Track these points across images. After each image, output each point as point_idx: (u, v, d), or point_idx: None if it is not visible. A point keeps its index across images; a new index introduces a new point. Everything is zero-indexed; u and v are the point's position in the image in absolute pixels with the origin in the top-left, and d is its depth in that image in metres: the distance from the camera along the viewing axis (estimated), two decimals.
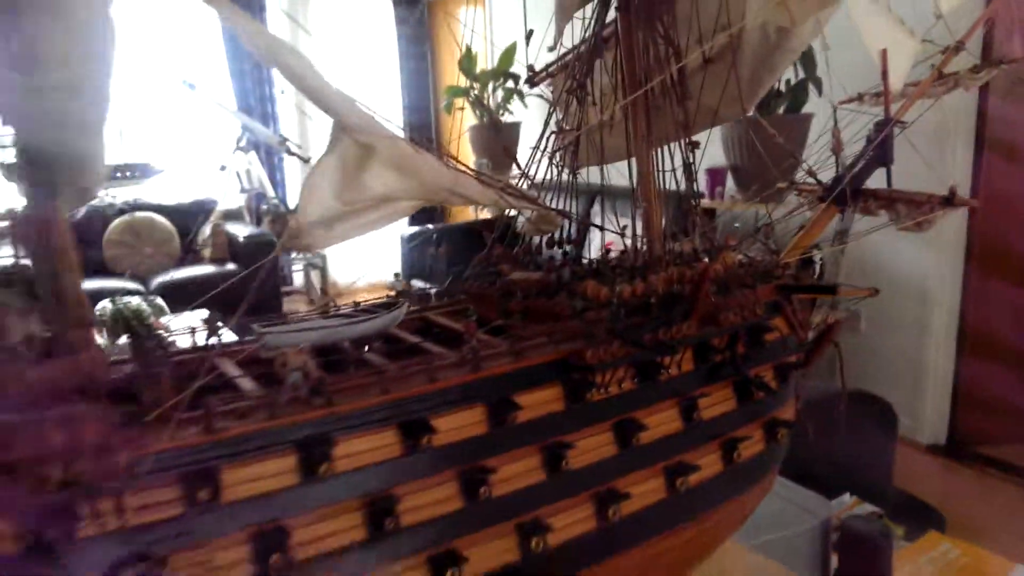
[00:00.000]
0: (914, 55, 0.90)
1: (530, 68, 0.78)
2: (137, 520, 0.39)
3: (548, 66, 0.78)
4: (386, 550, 0.43)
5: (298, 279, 6.70)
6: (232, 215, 5.86)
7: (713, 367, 0.60)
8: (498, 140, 5.30)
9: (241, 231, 5.48)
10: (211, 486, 0.40)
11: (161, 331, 0.56)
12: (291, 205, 6.29)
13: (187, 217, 5.42)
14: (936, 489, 3.54)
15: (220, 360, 0.55)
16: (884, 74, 0.85)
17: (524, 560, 0.47)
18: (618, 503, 0.52)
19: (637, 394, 0.56)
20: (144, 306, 3.91)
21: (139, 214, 5.20)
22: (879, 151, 0.83)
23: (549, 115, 0.75)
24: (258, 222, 6.01)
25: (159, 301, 4.09)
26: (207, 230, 5.61)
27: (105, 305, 3.91)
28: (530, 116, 5.44)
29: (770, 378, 0.66)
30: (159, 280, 4.95)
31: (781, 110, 3.42)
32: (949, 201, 0.75)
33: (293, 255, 5.87)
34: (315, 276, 6.45)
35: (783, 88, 3.47)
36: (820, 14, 0.78)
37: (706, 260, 0.60)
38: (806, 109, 3.49)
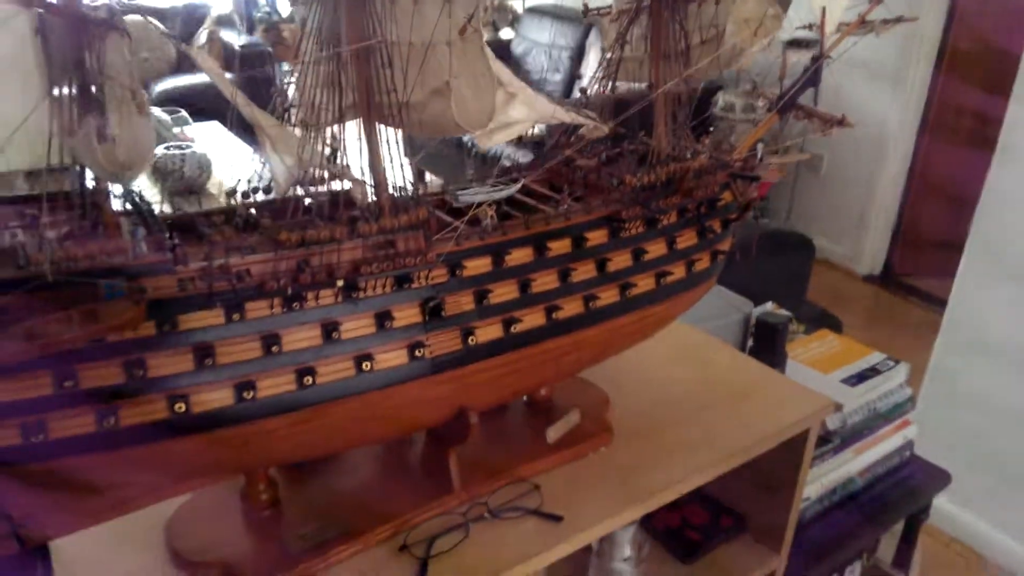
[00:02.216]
0: (844, 5, 1.29)
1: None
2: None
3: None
4: (527, 301, 0.93)
5: (290, 91, 6.77)
6: (224, 21, 5.74)
7: (687, 220, 1.08)
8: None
9: (236, 40, 5.44)
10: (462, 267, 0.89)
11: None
12: (283, 12, 6.21)
13: (180, 22, 5.34)
14: (855, 308, 4.19)
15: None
16: (822, 24, 1.25)
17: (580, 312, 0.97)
18: (629, 288, 1.02)
19: (646, 235, 1.04)
20: (165, 116, 4.06)
21: (132, 17, 5.32)
22: (811, 77, 1.26)
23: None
24: (250, 30, 5.93)
25: (183, 114, 4.20)
26: (202, 37, 5.53)
27: None
28: None
29: (717, 226, 1.13)
30: (160, 88, 5.01)
31: None
32: (840, 122, 1.19)
33: (286, 66, 5.90)
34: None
35: None
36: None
37: (689, 159, 1.05)
38: None
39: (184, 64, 5.39)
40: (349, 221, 0.85)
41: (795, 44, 1.39)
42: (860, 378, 1.58)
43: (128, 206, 0.81)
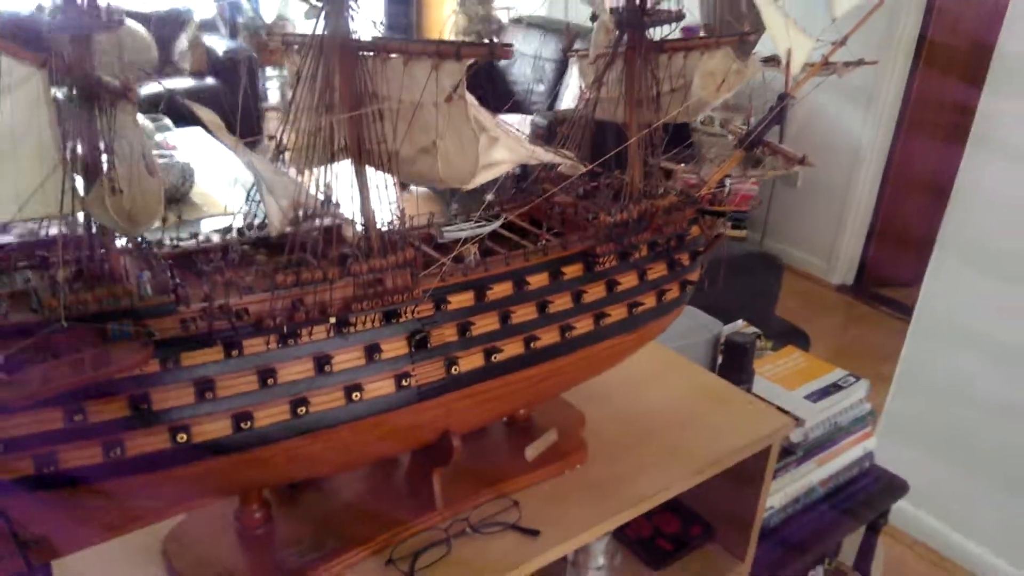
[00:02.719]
0: (809, 48, 1.37)
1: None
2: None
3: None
4: (507, 332, 0.99)
5: (273, 96, 6.78)
6: (207, 26, 5.73)
7: (657, 253, 1.15)
8: None
9: (219, 45, 5.47)
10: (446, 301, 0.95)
11: None
12: (266, 18, 6.21)
13: (163, 26, 5.32)
14: (827, 317, 4.30)
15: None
16: (787, 66, 1.33)
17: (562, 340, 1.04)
18: (604, 317, 1.09)
19: (619, 267, 1.10)
20: (147, 123, 4.08)
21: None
22: (777, 115, 1.33)
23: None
24: (232, 35, 5.93)
25: (166, 121, 4.20)
26: (184, 42, 5.52)
27: None
28: None
29: (685, 259, 1.21)
30: (143, 92, 5.15)
31: None
32: (801, 161, 1.27)
33: (268, 71, 5.87)
34: (290, 93, 6.56)
35: None
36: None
37: (660, 196, 1.13)
38: None
39: (166, 68, 5.41)
40: (340, 259, 0.91)
41: (770, 61, 1.48)
42: (823, 394, 1.67)
43: (130, 245, 0.86)
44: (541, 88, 5.33)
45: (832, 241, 4.56)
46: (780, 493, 1.62)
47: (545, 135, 4.51)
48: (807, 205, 4.61)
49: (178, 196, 3.85)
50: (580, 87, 1.24)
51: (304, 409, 0.87)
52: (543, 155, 1.09)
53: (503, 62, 5.57)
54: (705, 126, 4.43)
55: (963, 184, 2.34)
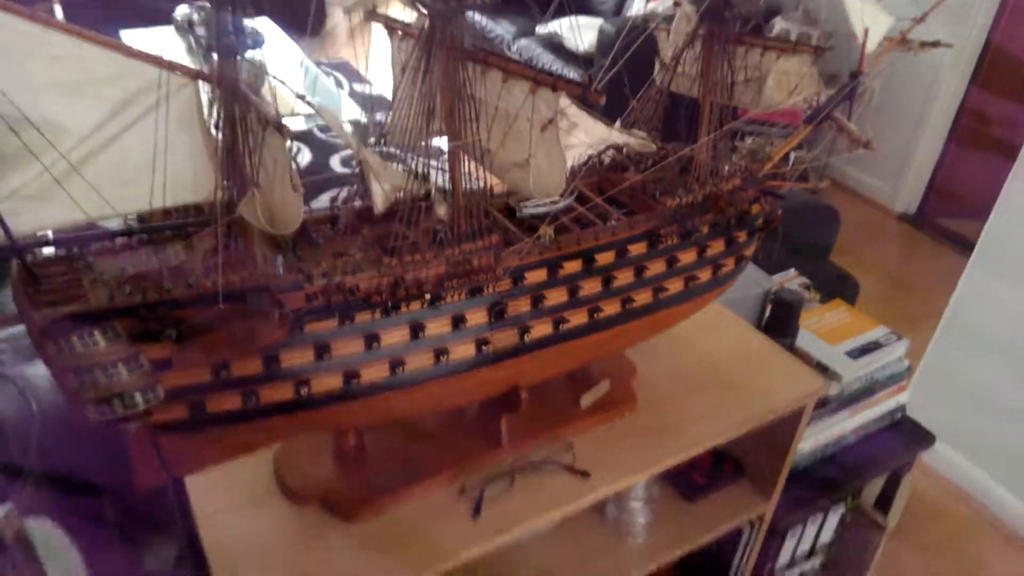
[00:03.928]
0: (887, 26, 1.38)
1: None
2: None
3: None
4: (574, 304, 1.12)
5: None
6: None
7: (717, 231, 1.24)
8: None
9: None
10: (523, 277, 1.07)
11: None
12: None
13: None
14: (883, 249, 4.29)
15: None
16: (863, 46, 1.36)
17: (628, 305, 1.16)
18: (662, 291, 1.20)
19: (680, 245, 1.20)
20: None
21: None
22: (848, 92, 1.37)
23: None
24: None
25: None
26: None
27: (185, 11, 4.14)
28: None
29: (743, 235, 1.29)
30: None
31: None
32: (866, 145, 1.32)
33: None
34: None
35: None
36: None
37: (723, 180, 1.20)
38: None
39: None
40: (432, 233, 1.04)
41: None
42: (863, 351, 1.76)
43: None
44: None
45: (900, 167, 4.47)
46: (811, 439, 1.75)
47: (612, 41, 4.44)
48: (878, 128, 4.48)
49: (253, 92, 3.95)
50: (659, 59, 1.30)
51: (401, 368, 1.02)
52: (617, 136, 1.17)
53: None
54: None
55: (1008, 196, 2.32)
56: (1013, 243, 2.41)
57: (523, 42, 4.86)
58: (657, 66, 1.31)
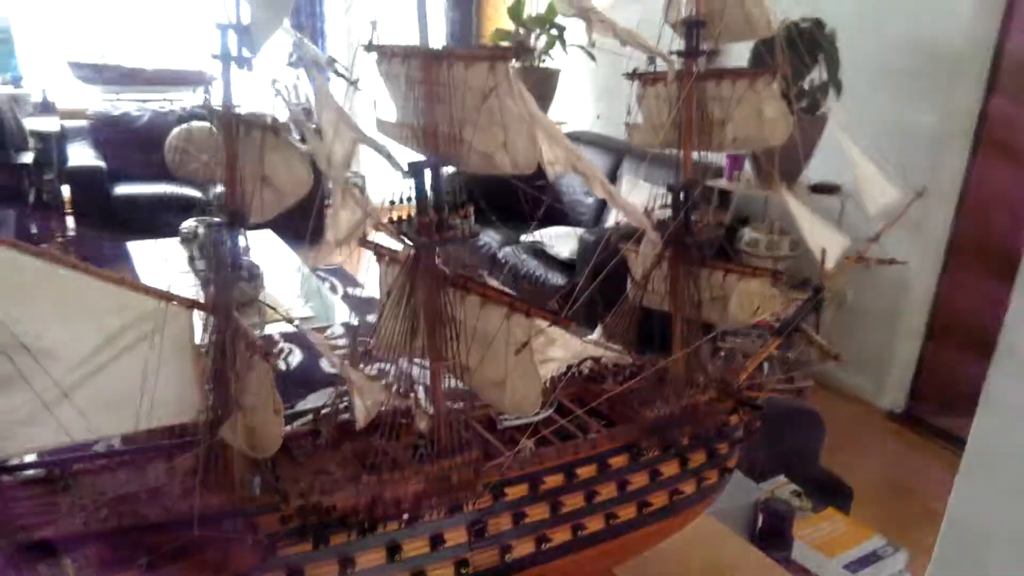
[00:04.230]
0: (844, 246, 1.49)
1: None
2: None
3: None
4: (557, 520, 1.10)
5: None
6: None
7: (697, 443, 1.26)
8: (538, 85, 5.76)
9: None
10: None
11: None
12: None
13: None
14: (873, 449, 4.24)
15: None
16: (822, 263, 1.45)
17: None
18: (646, 505, 1.19)
19: (661, 457, 1.22)
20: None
21: (195, 123, 5.15)
22: (813, 305, 1.45)
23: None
24: (302, 139, 6.39)
25: None
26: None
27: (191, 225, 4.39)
28: (570, 63, 5.86)
29: (724, 447, 1.31)
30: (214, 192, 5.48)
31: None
32: (835, 357, 1.38)
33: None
34: (356, 193, 6.95)
35: (806, 86, 3.95)
36: None
37: (699, 391, 1.25)
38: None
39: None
40: (413, 449, 1.05)
41: (819, 189, 1.57)
42: (862, 563, 1.70)
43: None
44: (589, 201, 5.54)
45: (881, 364, 4.55)
46: None
47: (592, 248, 4.69)
48: (854, 328, 4.64)
49: (245, 300, 4.09)
50: (629, 277, 1.38)
51: None
52: (593, 351, 1.22)
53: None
54: (751, 247, 4.56)
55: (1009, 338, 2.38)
56: (1002, 440, 2.40)
57: (508, 249, 5.13)
58: (629, 283, 1.40)
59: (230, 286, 0.89)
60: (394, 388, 1.05)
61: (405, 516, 1.00)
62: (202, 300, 0.92)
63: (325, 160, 0.92)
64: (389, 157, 0.97)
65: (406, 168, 0.99)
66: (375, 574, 0.99)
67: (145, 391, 0.88)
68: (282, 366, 3.81)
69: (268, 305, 3.95)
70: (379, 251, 1.16)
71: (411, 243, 1.01)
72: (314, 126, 0.96)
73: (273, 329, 4.11)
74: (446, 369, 1.05)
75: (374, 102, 1.08)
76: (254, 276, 4.06)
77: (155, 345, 0.87)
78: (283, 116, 0.99)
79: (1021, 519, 2.34)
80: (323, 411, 1.11)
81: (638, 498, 1.20)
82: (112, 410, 0.88)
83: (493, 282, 1.08)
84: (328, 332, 4.04)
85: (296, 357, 4.14)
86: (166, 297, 0.88)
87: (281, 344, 3.91)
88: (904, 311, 4.37)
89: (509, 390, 0.94)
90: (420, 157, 1.01)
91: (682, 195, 1.22)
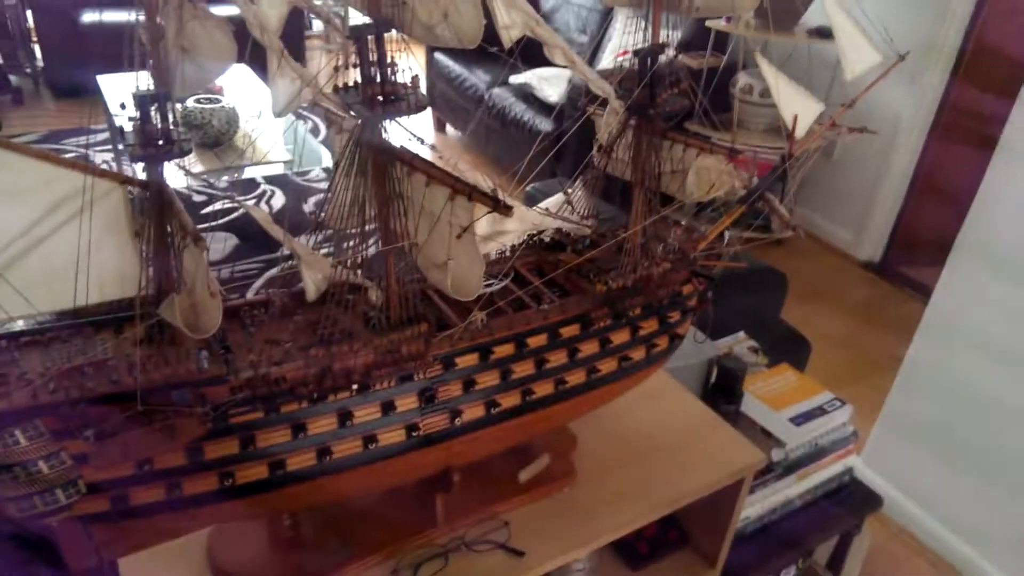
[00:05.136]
0: (817, 112, 1.44)
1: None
2: None
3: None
4: (506, 387, 1.15)
5: (317, 24, 6.83)
6: None
7: (649, 312, 1.28)
8: None
9: None
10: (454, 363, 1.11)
11: None
12: None
13: None
14: (846, 296, 4.36)
15: None
16: (792, 130, 1.41)
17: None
18: (595, 371, 1.23)
19: (612, 326, 1.24)
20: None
21: None
22: (780, 174, 1.42)
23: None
24: None
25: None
26: None
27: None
28: None
29: (676, 315, 1.33)
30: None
31: None
32: (793, 228, 1.37)
33: None
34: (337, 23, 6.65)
35: None
36: None
37: (655, 265, 1.24)
38: None
39: None
40: (364, 318, 1.06)
41: (818, 33, 1.50)
42: (807, 417, 1.80)
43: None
44: (584, 39, 5.29)
45: (863, 215, 4.57)
46: (757, 505, 1.77)
47: (581, 92, 4.53)
48: (840, 179, 4.61)
49: (223, 140, 3.99)
50: (595, 142, 1.34)
51: (328, 456, 1.03)
52: (551, 222, 1.21)
53: (547, 7, 5.56)
54: (744, 94, 4.42)
55: (987, 189, 2.38)
56: (970, 289, 2.47)
57: (497, 91, 4.95)
58: (595, 147, 1.36)
59: (159, 163, 0.86)
60: (345, 261, 1.05)
61: (355, 387, 1.03)
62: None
63: (257, 26, 0.86)
64: (327, 21, 0.91)
65: (346, 32, 0.93)
66: (326, 439, 1.03)
67: (85, 267, 0.88)
68: (264, 208, 3.79)
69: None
70: (329, 117, 1.11)
71: (355, 115, 0.97)
72: None
73: (254, 172, 4.05)
74: (395, 243, 1.04)
75: None
76: (230, 118, 3.94)
77: (86, 221, 0.85)
78: None
79: (973, 368, 2.46)
80: (274, 282, 1.12)
81: (587, 365, 1.23)
82: (53, 284, 0.88)
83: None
84: (311, 175, 3.98)
85: (279, 200, 4.12)
86: (93, 172, 0.85)
87: (263, 187, 3.87)
88: (889, 168, 4.33)
89: (452, 272, 0.94)
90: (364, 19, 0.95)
91: (648, 61, 1.16)
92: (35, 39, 5.69)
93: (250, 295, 1.11)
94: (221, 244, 2.86)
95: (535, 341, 1.18)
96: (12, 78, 5.69)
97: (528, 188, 2.96)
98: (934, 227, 4.27)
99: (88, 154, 4.77)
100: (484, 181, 0.98)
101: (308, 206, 4.13)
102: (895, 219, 4.51)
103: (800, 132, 1.37)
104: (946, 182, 4.23)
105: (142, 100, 0.83)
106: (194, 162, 3.91)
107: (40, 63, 5.76)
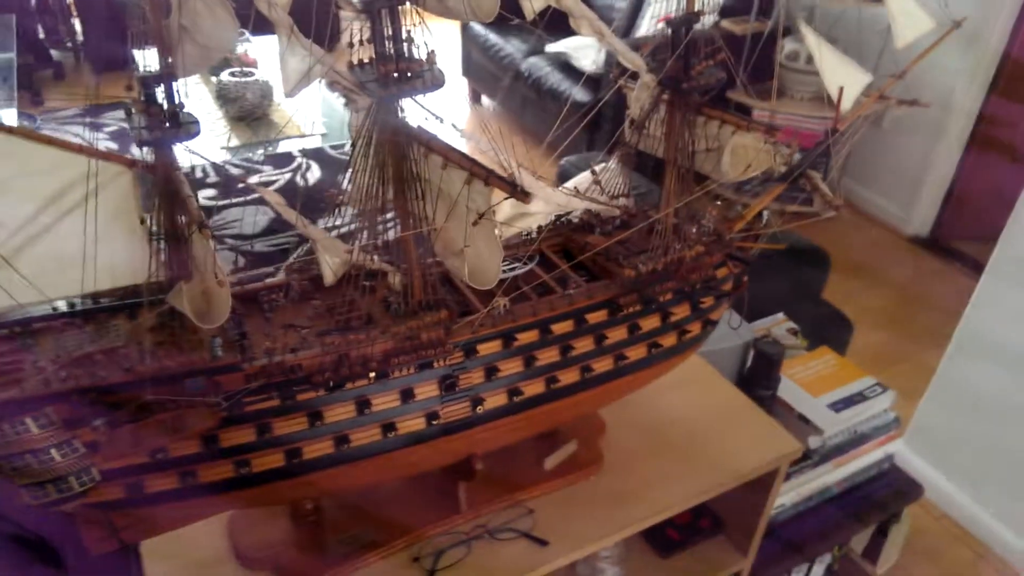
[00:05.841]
0: (864, 84, 1.35)
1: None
2: None
3: None
4: (530, 374, 1.10)
5: None
6: None
7: (681, 297, 1.22)
8: None
9: None
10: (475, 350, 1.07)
11: None
12: None
13: None
14: (896, 268, 4.22)
15: None
16: (838, 102, 1.33)
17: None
18: (623, 358, 1.18)
19: (642, 312, 1.19)
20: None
21: None
22: (824, 150, 1.35)
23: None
24: None
25: (245, 32, 4.20)
26: None
27: None
28: None
29: (710, 300, 1.27)
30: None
31: None
32: (836, 208, 1.29)
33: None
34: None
35: None
36: None
37: (687, 247, 1.18)
38: None
39: None
40: (384, 304, 1.03)
41: None
42: (847, 403, 1.73)
43: None
44: (621, 4, 5.14)
45: (912, 187, 4.40)
46: (793, 492, 1.72)
47: (616, 63, 4.41)
48: (889, 150, 4.43)
49: (257, 115, 3.98)
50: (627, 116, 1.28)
51: (346, 445, 1.01)
52: (576, 203, 1.16)
53: None
54: (790, 60, 4.25)
55: None
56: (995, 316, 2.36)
57: (532, 60, 4.85)
58: (627, 122, 1.30)
59: (166, 146, 0.83)
60: (366, 245, 1.01)
61: (372, 375, 1.00)
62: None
63: (265, 1, 0.82)
64: None
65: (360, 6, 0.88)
66: (344, 427, 1.01)
67: (95, 253, 0.86)
68: (300, 182, 3.78)
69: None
70: (347, 95, 1.07)
71: (370, 94, 0.92)
72: None
73: (290, 146, 4.04)
74: (415, 227, 1.00)
75: None
76: (264, 91, 3.93)
77: (95, 206, 0.83)
78: None
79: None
80: (293, 264, 1.09)
81: (615, 352, 1.19)
82: (64, 271, 0.87)
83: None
84: (348, 148, 3.96)
85: (315, 173, 4.12)
86: (101, 156, 0.82)
87: (299, 160, 3.86)
88: (942, 136, 4.14)
89: (469, 260, 0.90)
90: None
91: (683, 31, 1.09)
92: (75, 13, 5.73)
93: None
94: (252, 218, 2.86)
95: (560, 327, 1.13)
96: (53, 52, 5.76)
97: (562, 162, 2.89)
98: (989, 198, 4.10)
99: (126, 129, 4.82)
100: (512, 155, 0.93)
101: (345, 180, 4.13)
102: (946, 190, 4.33)
103: (846, 105, 1.29)
104: (1002, 151, 4.04)
105: (146, 81, 0.80)
106: (229, 135, 3.92)
107: (80, 37, 5.81)
